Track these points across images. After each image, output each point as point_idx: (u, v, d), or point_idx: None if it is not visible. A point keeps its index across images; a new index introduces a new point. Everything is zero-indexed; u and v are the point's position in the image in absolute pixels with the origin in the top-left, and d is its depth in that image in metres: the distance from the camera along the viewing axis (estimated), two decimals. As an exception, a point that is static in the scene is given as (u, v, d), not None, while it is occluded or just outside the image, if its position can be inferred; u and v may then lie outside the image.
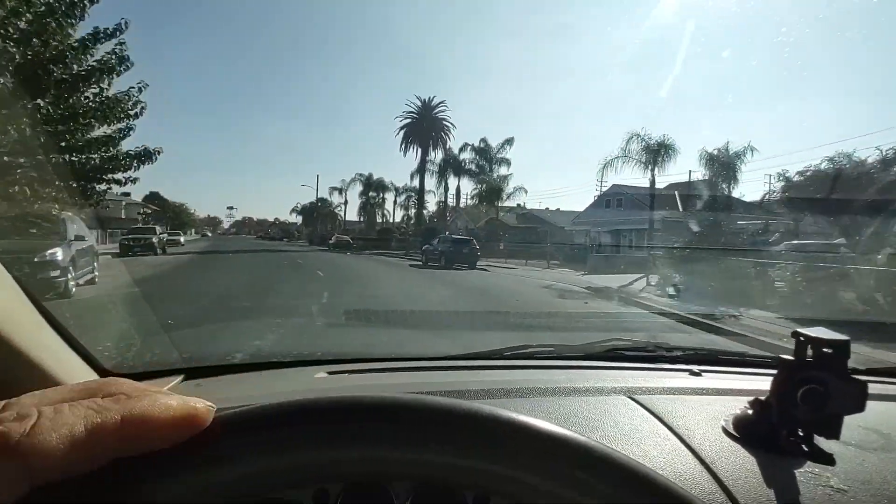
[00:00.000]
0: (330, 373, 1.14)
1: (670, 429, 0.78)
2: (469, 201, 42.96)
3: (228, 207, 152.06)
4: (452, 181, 42.52)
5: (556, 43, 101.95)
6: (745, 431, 0.75)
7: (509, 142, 38.80)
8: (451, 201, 45.52)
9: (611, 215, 29.08)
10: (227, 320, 5.82)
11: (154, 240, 20.53)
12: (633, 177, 35.30)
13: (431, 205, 49.14)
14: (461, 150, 41.49)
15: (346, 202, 59.76)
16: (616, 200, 30.34)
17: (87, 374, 0.82)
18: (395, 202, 54.98)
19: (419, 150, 42.24)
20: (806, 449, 0.71)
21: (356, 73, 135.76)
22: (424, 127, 41.96)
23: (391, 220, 57.31)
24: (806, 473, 0.67)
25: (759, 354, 1.59)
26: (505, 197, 34.23)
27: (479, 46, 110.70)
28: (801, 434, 0.72)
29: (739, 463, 0.69)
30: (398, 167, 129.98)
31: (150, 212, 34.82)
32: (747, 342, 5.29)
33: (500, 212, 35.71)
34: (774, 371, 0.93)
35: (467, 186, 45.17)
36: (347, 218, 65.89)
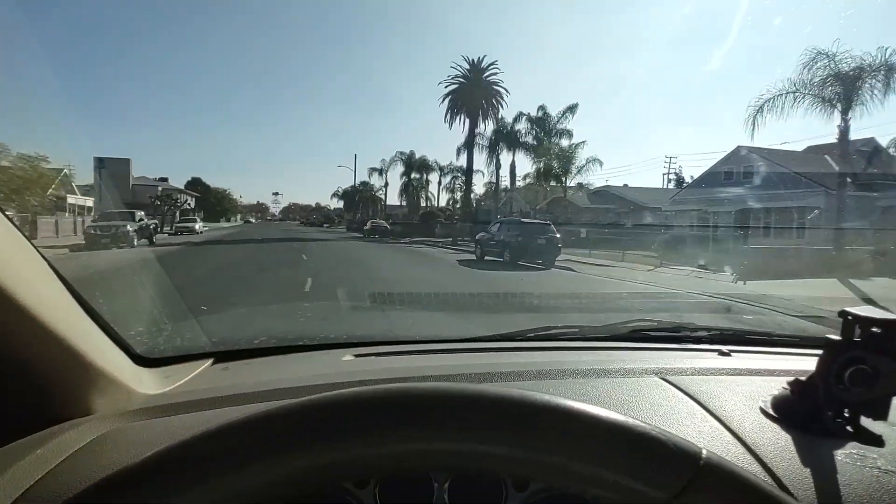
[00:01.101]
0: (357, 355, 1.13)
1: (707, 409, 0.77)
2: (523, 181, 37.04)
3: (274, 193, 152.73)
4: (505, 158, 36.63)
5: (612, 14, 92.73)
6: (786, 412, 0.74)
7: (572, 109, 32.37)
8: (503, 181, 39.75)
9: (740, 189, 20.44)
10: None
11: (129, 228, 15.85)
12: (798, 127, 28.36)
13: (480, 186, 43.39)
14: (515, 120, 35.51)
15: (386, 184, 54.98)
16: (742, 169, 21.91)
17: (121, 360, 0.84)
18: (439, 184, 49.92)
19: (467, 120, 36.23)
20: (852, 430, 0.69)
21: (399, 48, 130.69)
22: (473, 93, 35.88)
23: (436, 204, 52.53)
24: (851, 455, 0.66)
25: (788, 334, 1.43)
26: (574, 171, 27.90)
27: (530, 18, 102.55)
28: (847, 415, 0.70)
29: (781, 444, 0.69)
30: (442, 145, 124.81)
31: (161, 195, 30.69)
32: None
33: (569, 190, 29.25)
34: (806, 350, 1.08)
35: (523, 163, 39.14)
36: (389, 202, 61.28)
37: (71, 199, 36.82)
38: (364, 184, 65.11)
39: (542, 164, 30.42)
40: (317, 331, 3.35)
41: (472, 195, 43.29)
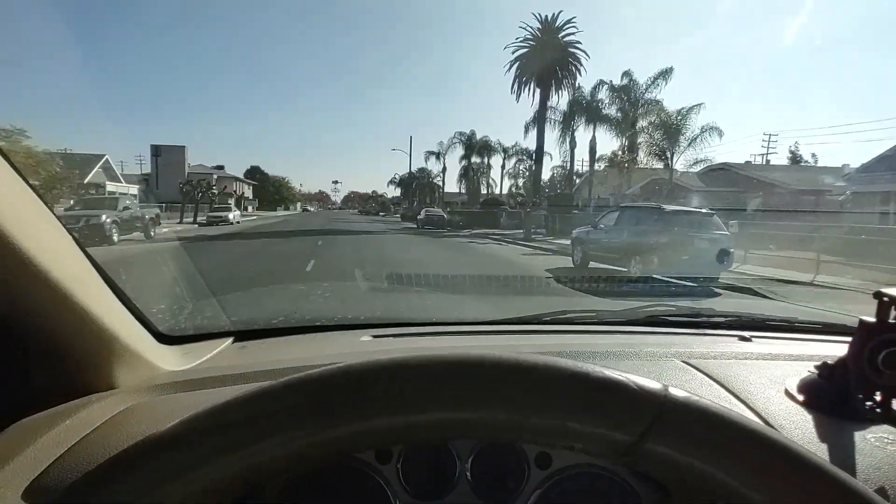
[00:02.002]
0: (375, 336, 1.14)
1: (732, 393, 0.76)
2: (599, 162, 31.23)
3: (334, 182, 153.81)
4: (582, 136, 30.97)
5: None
6: (813, 395, 0.73)
7: (665, 75, 26.23)
8: (577, 163, 34.05)
9: None
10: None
11: (104, 219, 12.05)
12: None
13: (546, 171, 37.82)
14: (594, 90, 29.77)
15: (444, 169, 50.20)
16: None
17: (144, 337, 0.86)
18: (502, 167, 44.75)
19: (537, 90, 30.75)
20: (884, 414, 0.69)
21: (461, 17, 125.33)
22: (545, 57, 30.30)
23: (498, 191, 47.41)
24: (882, 439, 0.66)
25: (810, 321, 1.37)
26: (684, 144, 21.85)
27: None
28: (879, 399, 0.69)
29: (810, 428, 0.68)
30: (505, 128, 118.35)
31: (188, 181, 27.58)
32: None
33: (668, 170, 23.10)
34: (830, 337, 1.11)
35: (602, 141, 33.16)
36: (446, 189, 56.61)
37: (111, 187, 34.89)
38: (421, 170, 61.23)
39: (638, 137, 24.48)
40: (335, 311, 4.02)
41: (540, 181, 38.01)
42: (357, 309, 4.38)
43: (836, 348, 0.86)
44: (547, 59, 30.23)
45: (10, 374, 0.70)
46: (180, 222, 25.12)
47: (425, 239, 18.66)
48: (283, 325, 1.30)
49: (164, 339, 0.95)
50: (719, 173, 24.56)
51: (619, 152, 26.86)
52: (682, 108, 22.72)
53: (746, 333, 1.14)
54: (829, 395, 0.71)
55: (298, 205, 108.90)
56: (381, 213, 77.30)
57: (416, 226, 28.49)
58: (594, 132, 29.81)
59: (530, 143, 34.49)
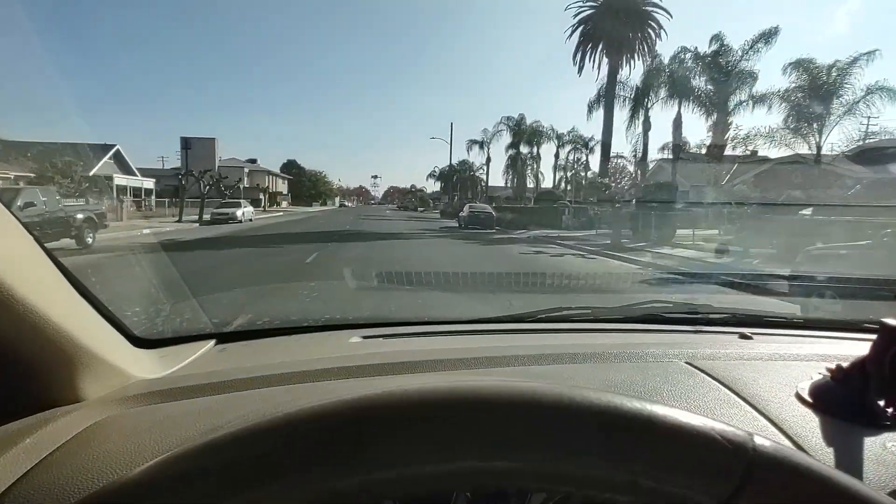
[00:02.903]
0: (365, 337, 1.11)
1: (742, 397, 0.73)
2: (682, 147, 25.45)
3: (373, 177, 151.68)
4: (661, 115, 25.20)
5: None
6: (827, 400, 0.70)
7: (768, 38, 20.26)
8: (649, 148, 28.34)
9: None
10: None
11: None
12: None
13: (590, 161, 32.01)
14: (674, 60, 24.07)
15: (488, 160, 45.02)
16: None
17: (117, 342, 0.81)
18: (556, 156, 39.25)
19: (605, 59, 25.26)
20: None
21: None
22: (617, 18, 24.75)
23: (548, 184, 42.02)
24: None
25: (812, 317, 1.42)
26: (841, 112, 15.78)
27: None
28: None
29: (826, 434, 0.65)
30: (559, 110, 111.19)
31: (187, 172, 23.57)
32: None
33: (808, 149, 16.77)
34: (836, 334, 1.09)
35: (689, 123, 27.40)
36: (491, 182, 51.44)
37: (120, 181, 31.69)
38: (462, 162, 56.21)
39: (732, 115, 18.51)
40: (322, 311, 3.68)
41: (588, 172, 32.15)
42: (346, 309, 4.14)
43: (842, 348, 0.93)
44: (619, 21, 24.69)
45: None
46: (179, 220, 21.22)
47: (472, 246, 13.83)
48: (268, 326, 1.24)
49: (140, 342, 0.89)
50: (873, 153, 17.80)
51: (722, 134, 20.94)
52: (841, 61, 16.27)
53: (747, 330, 1.12)
54: (844, 399, 0.68)
55: (337, 200, 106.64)
56: (419, 209, 73.30)
57: (458, 224, 23.69)
58: (679, 108, 24.13)
59: (593, 126, 29.07)
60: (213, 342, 1.06)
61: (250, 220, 24.02)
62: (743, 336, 1.10)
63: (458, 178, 55.88)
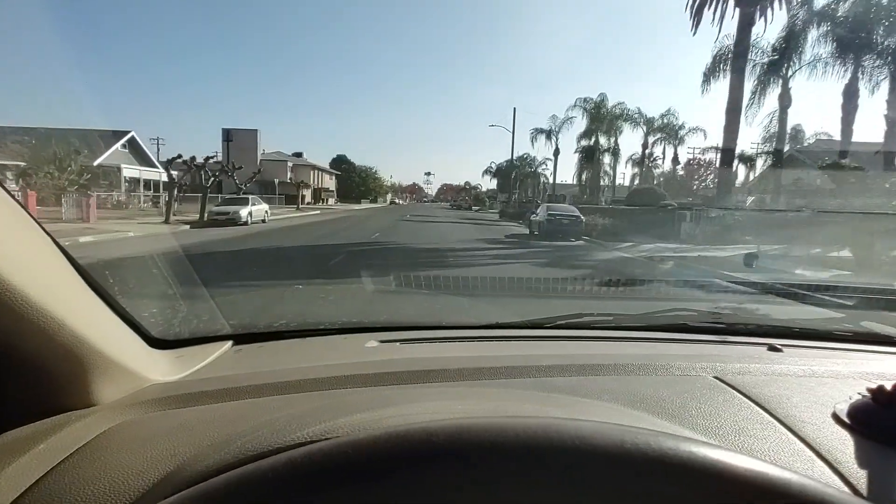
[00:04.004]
0: (381, 341, 1.10)
1: (776, 417, 0.69)
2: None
3: (426, 174, 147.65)
4: (803, 85, 18.09)
5: None
6: (869, 423, 0.66)
7: None
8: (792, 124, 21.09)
9: None
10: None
11: None
12: None
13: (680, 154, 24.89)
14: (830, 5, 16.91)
15: (556, 152, 38.05)
16: None
17: (133, 343, 0.81)
18: (645, 148, 32.37)
19: (736, 10, 18.33)
20: None
21: None
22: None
23: (637, 180, 35.02)
24: None
25: (844, 330, 1.27)
26: None
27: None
28: None
29: (868, 460, 0.61)
30: (646, 87, 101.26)
31: (174, 159, 18.55)
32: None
33: None
34: (865, 347, 1.08)
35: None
36: (558, 179, 44.54)
37: (129, 172, 27.79)
38: (522, 157, 49.38)
39: None
40: (339, 314, 3.73)
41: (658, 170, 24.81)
42: (363, 310, 4.11)
43: (882, 365, 0.90)
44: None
45: None
46: (166, 221, 16.38)
47: (574, 270, 7.84)
48: (284, 328, 1.19)
49: (156, 343, 0.88)
50: None
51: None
52: None
53: (776, 342, 1.09)
54: (889, 423, 0.64)
55: (388, 197, 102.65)
56: (473, 208, 67.62)
57: (529, 231, 17.61)
58: (854, 72, 16.99)
59: (708, 102, 21.95)
60: (230, 343, 1.05)
61: (263, 220, 18.95)
62: (772, 348, 1.06)
63: (516, 174, 49.46)
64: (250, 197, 18.93)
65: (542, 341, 1.16)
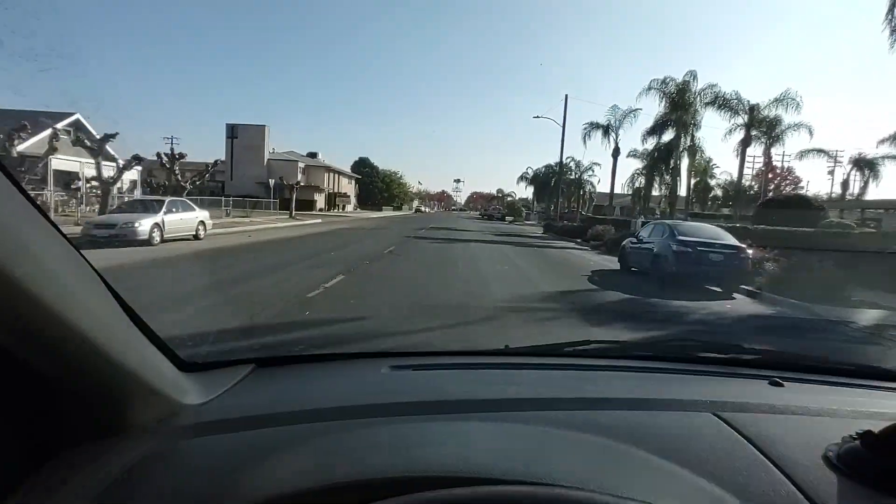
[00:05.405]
0: (393, 367, 1.13)
1: (767, 457, 0.71)
2: None
3: (455, 181, 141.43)
4: None
5: None
6: (856, 466, 0.67)
7: None
8: None
9: None
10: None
11: None
12: None
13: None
14: None
15: (615, 152, 29.87)
16: None
17: (165, 368, 0.81)
18: (742, 146, 24.36)
19: None
20: None
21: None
22: None
23: (736, 187, 26.87)
24: None
25: (847, 363, 1.24)
26: None
27: None
28: None
29: None
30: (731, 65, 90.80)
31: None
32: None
33: None
34: (863, 381, 1.09)
35: None
36: (602, 188, 36.22)
37: (59, 165, 21.39)
38: (568, 166, 40.66)
39: None
40: (354, 340, 3.67)
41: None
42: (377, 333, 4.03)
43: (880, 402, 0.91)
44: None
45: (26, 415, 0.64)
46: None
47: None
48: (304, 352, 1.25)
49: (184, 366, 0.89)
50: None
51: None
52: None
53: (778, 375, 1.09)
54: (874, 467, 0.65)
55: (413, 204, 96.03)
56: (507, 218, 60.01)
57: (622, 265, 10.24)
58: None
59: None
60: (252, 366, 1.07)
61: (194, 235, 12.15)
62: (774, 383, 1.05)
63: (557, 181, 41.84)
64: (168, 200, 12.06)
65: (549, 370, 1.16)
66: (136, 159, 15.51)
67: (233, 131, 46.62)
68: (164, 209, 11.28)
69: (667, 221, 9.91)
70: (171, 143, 29.05)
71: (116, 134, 17.66)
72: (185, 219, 12.01)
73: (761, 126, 23.89)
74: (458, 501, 0.46)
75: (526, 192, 71.90)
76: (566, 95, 28.74)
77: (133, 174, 24.61)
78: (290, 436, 0.73)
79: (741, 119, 23.61)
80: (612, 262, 11.78)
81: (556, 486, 0.57)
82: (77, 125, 22.67)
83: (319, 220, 26.26)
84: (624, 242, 10.62)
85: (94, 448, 0.65)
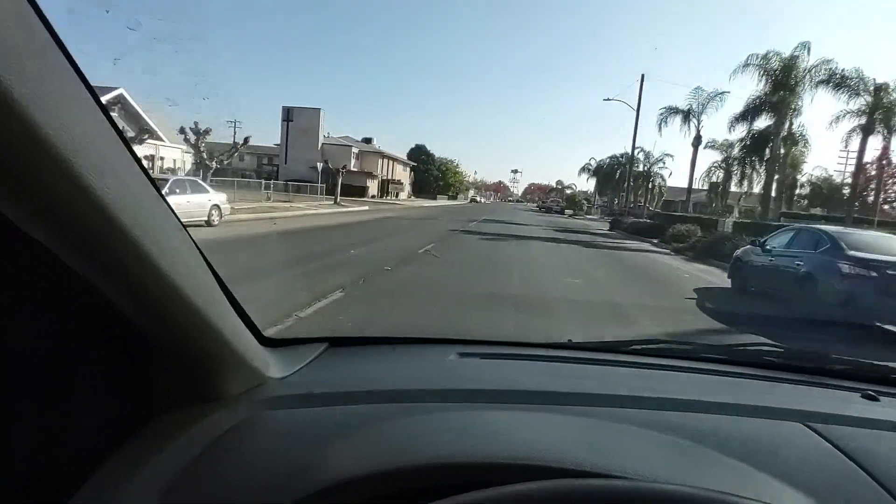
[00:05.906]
0: (460, 354, 1.13)
1: (873, 477, 0.65)
2: None
3: (513, 171, 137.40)
4: None
5: None
6: None
7: None
8: None
9: None
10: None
11: None
12: None
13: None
14: None
15: (697, 140, 26.11)
16: None
17: (250, 341, 0.83)
18: (863, 133, 20.28)
19: None
20: None
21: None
22: None
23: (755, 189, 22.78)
24: None
25: None
26: None
27: None
28: None
29: None
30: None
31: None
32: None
33: None
34: None
35: None
36: (672, 183, 31.87)
37: None
38: (628, 155, 35.80)
39: None
40: (423, 325, 3.86)
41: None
42: (447, 319, 4.18)
43: None
44: None
45: (135, 377, 0.68)
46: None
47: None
48: (373, 335, 1.26)
49: (265, 341, 0.91)
50: None
51: None
52: None
53: (871, 388, 0.99)
54: None
55: (470, 193, 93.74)
56: (566, 212, 56.44)
57: (724, 277, 7.58)
58: None
59: None
60: (325, 345, 1.09)
61: (206, 222, 10.52)
62: (868, 396, 0.96)
63: (623, 172, 37.91)
64: (173, 180, 10.43)
65: (616, 366, 1.12)
66: (144, 132, 14.21)
67: (288, 114, 45.99)
68: (165, 190, 9.64)
69: (823, 228, 6.99)
70: (234, 127, 28.05)
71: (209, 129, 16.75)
72: (193, 201, 10.36)
73: (881, 112, 19.74)
74: (576, 494, 0.44)
75: (588, 184, 67.79)
76: (642, 75, 25.44)
77: (148, 149, 23.42)
78: (367, 414, 0.74)
79: (863, 100, 19.54)
80: (709, 275, 9.15)
81: (657, 483, 0.53)
82: (120, 100, 22.02)
83: (366, 208, 24.52)
84: (738, 252, 7.83)
85: (187, 413, 0.68)
